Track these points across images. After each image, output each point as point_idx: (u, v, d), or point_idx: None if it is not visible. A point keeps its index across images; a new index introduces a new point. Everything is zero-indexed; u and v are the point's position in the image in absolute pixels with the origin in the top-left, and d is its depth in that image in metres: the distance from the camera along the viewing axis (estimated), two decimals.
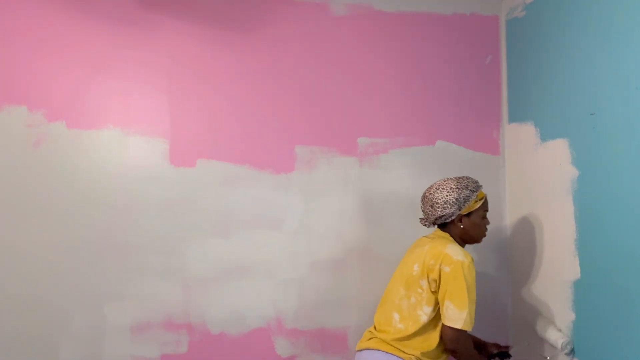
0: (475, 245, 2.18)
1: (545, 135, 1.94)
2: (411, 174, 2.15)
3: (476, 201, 1.73)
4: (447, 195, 1.71)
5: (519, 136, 2.13)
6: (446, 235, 1.75)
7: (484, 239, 1.80)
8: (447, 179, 1.76)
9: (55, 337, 1.89)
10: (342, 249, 2.10)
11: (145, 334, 1.95)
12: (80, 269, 1.92)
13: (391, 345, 1.65)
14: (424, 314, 1.64)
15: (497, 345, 1.88)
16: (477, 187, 1.74)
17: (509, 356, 1.84)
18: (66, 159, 1.94)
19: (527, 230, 2.06)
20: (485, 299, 2.17)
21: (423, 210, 1.79)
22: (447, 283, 1.59)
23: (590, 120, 1.69)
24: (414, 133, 2.18)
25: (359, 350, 1.74)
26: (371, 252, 2.12)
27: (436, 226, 1.81)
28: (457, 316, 1.57)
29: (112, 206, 1.95)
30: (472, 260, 1.63)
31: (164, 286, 1.97)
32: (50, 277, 1.90)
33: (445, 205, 1.70)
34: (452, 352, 1.64)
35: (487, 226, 1.79)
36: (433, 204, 1.73)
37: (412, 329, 1.64)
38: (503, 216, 2.22)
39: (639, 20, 1.50)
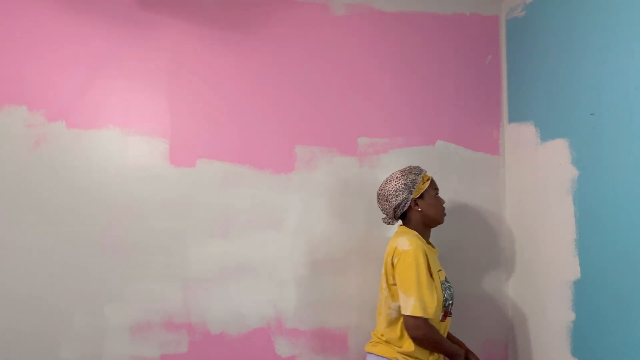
0: (475, 245, 2.19)
1: (545, 135, 1.94)
2: None
3: (423, 182, 1.79)
4: (395, 184, 1.78)
5: (519, 136, 2.13)
6: (404, 229, 1.80)
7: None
8: (392, 173, 1.85)
9: (56, 337, 1.89)
10: (342, 249, 2.10)
11: (145, 334, 1.95)
12: (80, 269, 1.92)
13: (379, 345, 1.73)
14: (393, 310, 1.69)
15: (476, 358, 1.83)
16: (420, 170, 1.82)
17: None
18: (66, 159, 1.94)
19: (527, 230, 2.06)
20: (485, 299, 2.18)
21: (382, 209, 1.84)
22: (397, 274, 1.65)
23: (590, 120, 1.69)
24: (414, 133, 2.18)
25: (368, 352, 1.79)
26: (371, 252, 2.11)
27: (400, 222, 1.87)
28: (406, 303, 1.60)
29: (112, 206, 1.95)
30: (418, 246, 1.66)
31: (164, 286, 1.97)
32: (51, 277, 1.90)
33: (397, 194, 1.77)
34: (414, 340, 1.63)
35: (444, 205, 1.84)
36: (387, 197, 1.79)
37: (384, 326, 1.71)
38: (503, 216, 2.22)
39: (638, 20, 1.50)
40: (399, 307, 1.65)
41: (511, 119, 2.20)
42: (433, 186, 1.83)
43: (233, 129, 2.06)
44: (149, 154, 2.00)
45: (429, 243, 1.82)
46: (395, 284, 1.68)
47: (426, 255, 1.68)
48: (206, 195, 2.02)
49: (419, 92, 2.20)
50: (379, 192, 1.84)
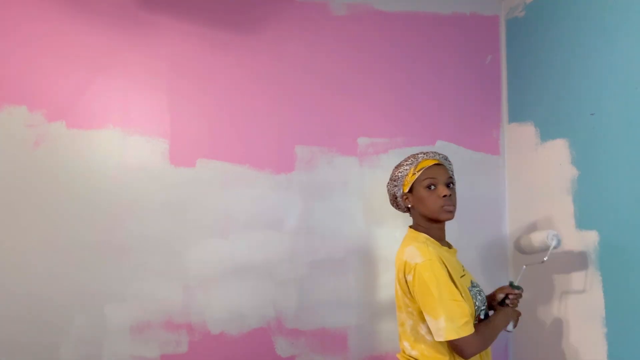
0: (475, 245, 2.18)
1: (545, 135, 1.94)
2: None
3: (414, 173, 1.52)
4: (391, 175, 1.60)
5: (519, 136, 2.13)
6: (411, 234, 1.57)
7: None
8: None
9: (55, 337, 1.89)
10: (342, 249, 2.10)
11: (145, 334, 1.95)
12: (81, 269, 1.92)
13: None
14: (426, 332, 1.45)
15: (501, 289, 1.67)
16: (415, 159, 1.54)
17: (519, 288, 1.63)
18: (66, 159, 1.94)
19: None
20: None
21: None
22: (416, 295, 1.41)
23: (590, 120, 1.69)
24: (414, 133, 2.18)
25: None
26: (371, 252, 2.11)
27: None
28: (436, 327, 1.37)
29: (112, 206, 1.95)
30: (431, 255, 1.41)
31: (164, 286, 1.97)
32: (50, 277, 1.89)
33: (388, 188, 1.61)
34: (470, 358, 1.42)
35: (443, 198, 1.49)
36: (388, 194, 1.65)
37: (427, 352, 1.45)
38: (503, 216, 2.22)
39: (638, 20, 1.50)
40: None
41: (511, 119, 2.20)
42: (425, 176, 1.50)
43: (233, 129, 2.06)
44: (149, 154, 2.00)
45: (444, 243, 1.58)
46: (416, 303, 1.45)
47: (443, 262, 1.43)
48: (206, 195, 2.02)
49: (419, 92, 2.20)
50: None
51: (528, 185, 2.06)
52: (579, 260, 1.72)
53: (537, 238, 1.68)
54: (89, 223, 1.93)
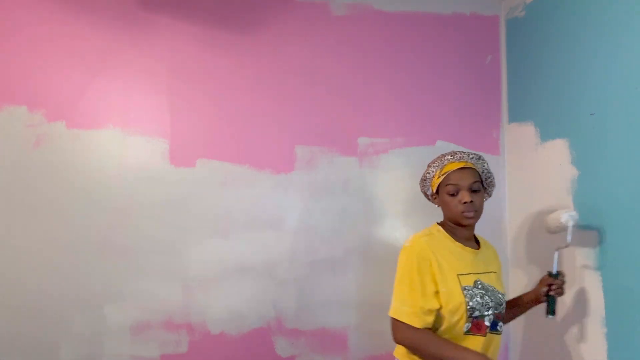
0: None
1: (545, 135, 1.94)
2: (411, 174, 2.15)
3: (439, 176, 1.55)
4: (423, 174, 1.64)
5: (519, 136, 2.13)
6: (434, 225, 1.61)
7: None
8: None
9: (55, 337, 1.89)
10: (342, 249, 2.10)
11: (145, 334, 1.95)
12: (80, 269, 1.92)
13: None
14: None
15: (542, 281, 1.62)
16: (441, 162, 1.56)
17: (558, 275, 1.59)
18: (66, 159, 1.94)
19: (527, 230, 2.06)
20: None
21: None
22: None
23: (590, 120, 1.69)
24: (414, 133, 2.18)
25: None
26: (371, 252, 2.11)
27: None
28: (392, 304, 1.46)
29: (112, 206, 1.95)
30: (417, 245, 1.46)
31: (164, 286, 1.97)
32: (50, 277, 1.90)
33: (420, 187, 1.66)
34: (398, 343, 1.47)
35: (464, 205, 1.48)
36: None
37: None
38: (503, 216, 2.22)
39: (639, 20, 1.50)
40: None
41: (511, 119, 2.20)
42: (448, 181, 1.51)
43: (233, 129, 2.06)
44: (149, 154, 2.00)
45: (468, 243, 1.56)
46: None
47: (430, 254, 1.44)
48: (206, 195, 2.02)
49: (419, 92, 2.20)
50: None
51: (528, 185, 2.06)
52: (579, 261, 1.72)
53: (554, 219, 1.66)
54: (89, 223, 1.93)
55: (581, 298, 1.71)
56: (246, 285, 2.02)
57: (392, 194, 2.14)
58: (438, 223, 1.60)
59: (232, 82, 2.07)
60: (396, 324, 1.44)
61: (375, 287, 2.07)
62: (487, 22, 2.28)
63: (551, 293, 1.57)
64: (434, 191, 1.59)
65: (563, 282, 1.59)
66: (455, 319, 1.42)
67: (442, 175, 1.53)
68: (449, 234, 1.54)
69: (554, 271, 1.60)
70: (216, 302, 2.00)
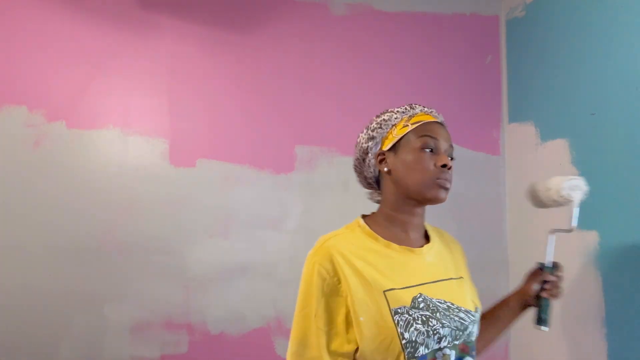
0: (475, 245, 2.18)
1: (545, 135, 1.94)
2: None
3: (405, 125, 1.08)
4: (363, 133, 1.14)
5: (519, 136, 2.13)
6: (356, 220, 1.15)
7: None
8: None
9: (55, 337, 1.89)
10: None
11: (145, 334, 1.95)
12: (80, 269, 1.91)
13: None
14: None
15: (532, 277, 1.21)
16: (412, 109, 1.14)
17: (553, 269, 1.22)
18: (66, 159, 1.94)
19: (527, 231, 2.06)
20: (485, 299, 2.17)
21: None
22: None
23: (590, 120, 1.69)
24: None
25: None
26: None
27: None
28: (289, 346, 1.01)
29: (112, 206, 1.95)
30: (326, 244, 1.05)
31: (164, 286, 1.97)
32: (50, 277, 1.89)
33: (358, 144, 1.13)
34: None
35: (442, 168, 1.03)
36: (355, 152, 1.16)
37: None
38: (503, 216, 2.22)
39: (638, 20, 1.50)
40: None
41: (511, 119, 2.20)
42: (424, 132, 1.06)
43: (233, 129, 2.06)
44: (149, 154, 2.00)
45: (416, 235, 1.10)
46: None
47: (335, 273, 1.00)
48: (206, 195, 2.02)
49: (419, 92, 2.20)
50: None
51: (528, 185, 2.05)
52: (579, 260, 1.72)
53: (552, 190, 1.22)
54: (89, 223, 1.93)
55: (581, 298, 1.71)
56: (246, 285, 2.02)
57: None
58: (364, 216, 1.15)
59: (232, 81, 2.07)
60: None
61: None
62: (487, 22, 2.28)
63: (543, 294, 1.17)
64: (386, 148, 1.07)
65: (560, 279, 1.17)
66: (379, 357, 0.93)
67: (413, 124, 1.07)
68: (383, 228, 1.08)
69: (548, 263, 1.20)
70: (216, 302, 2.00)
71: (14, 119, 1.91)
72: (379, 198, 1.14)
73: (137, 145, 1.99)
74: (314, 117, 2.12)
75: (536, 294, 1.18)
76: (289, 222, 2.07)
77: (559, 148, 1.84)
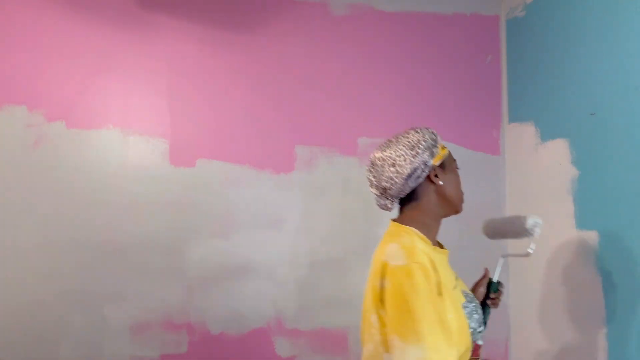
0: (475, 245, 2.18)
1: (545, 135, 1.94)
2: None
3: (443, 147, 1.21)
4: (409, 142, 1.15)
5: (519, 136, 2.13)
6: (397, 228, 1.18)
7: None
8: (389, 138, 1.23)
9: (55, 337, 1.89)
10: (342, 249, 2.10)
11: (145, 334, 1.95)
12: (80, 269, 1.92)
13: None
14: None
15: (479, 284, 1.42)
16: (434, 132, 1.23)
17: (497, 288, 1.40)
18: (66, 159, 1.94)
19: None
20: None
21: (377, 186, 1.21)
22: (388, 309, 1.02)
23: (590, 120, 1.69)
24: None
25: None
26: (371, 252, 2.10)
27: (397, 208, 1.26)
28: (404, 355, 0.96)
29: (112, 206, 1.95)
30: (420, 258, 1.05)
31: (164, 286, 1.97)
32: (50, 277, 1.89)
33: (413, 154, 1.13)
34: None
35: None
36: (393, 161, 1.15)
37: None
38: (503, 216, 2.22)
39: (638, 20, 1.50)
40: None
41: (511, 119, 2.20)
42: (453, 156, 1.26)
43: (233, 129, 2.06)
44: (149, 154, 2.00)
45: (436, 243, 1.24)
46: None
47: (435, 269, 1.06)
48: (206, 195, 2.02)
49: (419, 92, 2.20)
50: (378, 156, 1.19)
51: (528, 185, 2.06)
52: (579, 260, 1.72)
53: (516, 224, 1.39)
54: (88, 223, 1.93)
55: (581, 298, 1.71)
56: (246, 285, 2.02)
57: None
58: (397, 221, 1.21)
59: (232, 81, 2.07)
60: None
61: None
62: (487, 22, 2.28)
63: (488, 302, 1.36)
64: (436, 164, 1.17)
65: (501, 294, 1.40)
66: (463, 350, 1.06)
67: (443, 148, 1.20)
68: (425, 234, 1.17)
69: (495, 281, 1.40)
70: (216, 302, 2.00)
71: (14, 118, 1.91)
72: (392, 207, 1.23)
73: (137, 145, 1.99)
74: (314, 117, 2.12)
75: (482, 299, 1.38)
76: (289, 222, 2.07)
77: (559, 148, 1.84)
